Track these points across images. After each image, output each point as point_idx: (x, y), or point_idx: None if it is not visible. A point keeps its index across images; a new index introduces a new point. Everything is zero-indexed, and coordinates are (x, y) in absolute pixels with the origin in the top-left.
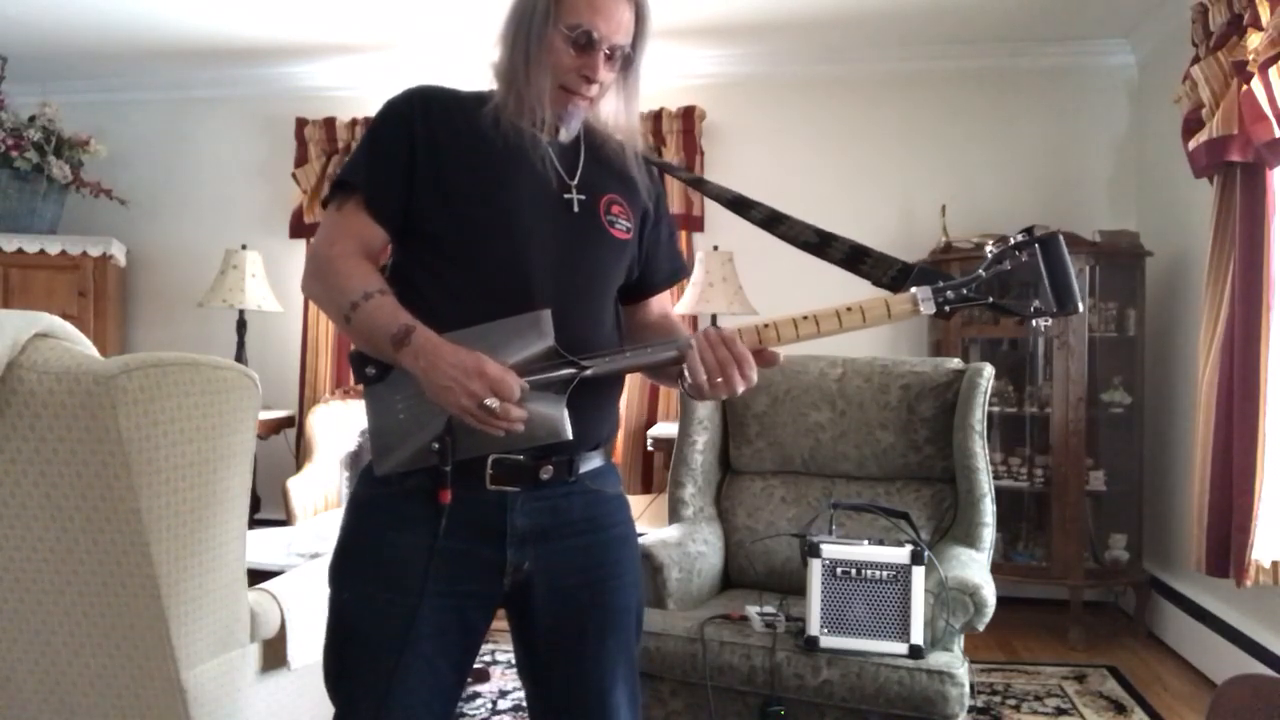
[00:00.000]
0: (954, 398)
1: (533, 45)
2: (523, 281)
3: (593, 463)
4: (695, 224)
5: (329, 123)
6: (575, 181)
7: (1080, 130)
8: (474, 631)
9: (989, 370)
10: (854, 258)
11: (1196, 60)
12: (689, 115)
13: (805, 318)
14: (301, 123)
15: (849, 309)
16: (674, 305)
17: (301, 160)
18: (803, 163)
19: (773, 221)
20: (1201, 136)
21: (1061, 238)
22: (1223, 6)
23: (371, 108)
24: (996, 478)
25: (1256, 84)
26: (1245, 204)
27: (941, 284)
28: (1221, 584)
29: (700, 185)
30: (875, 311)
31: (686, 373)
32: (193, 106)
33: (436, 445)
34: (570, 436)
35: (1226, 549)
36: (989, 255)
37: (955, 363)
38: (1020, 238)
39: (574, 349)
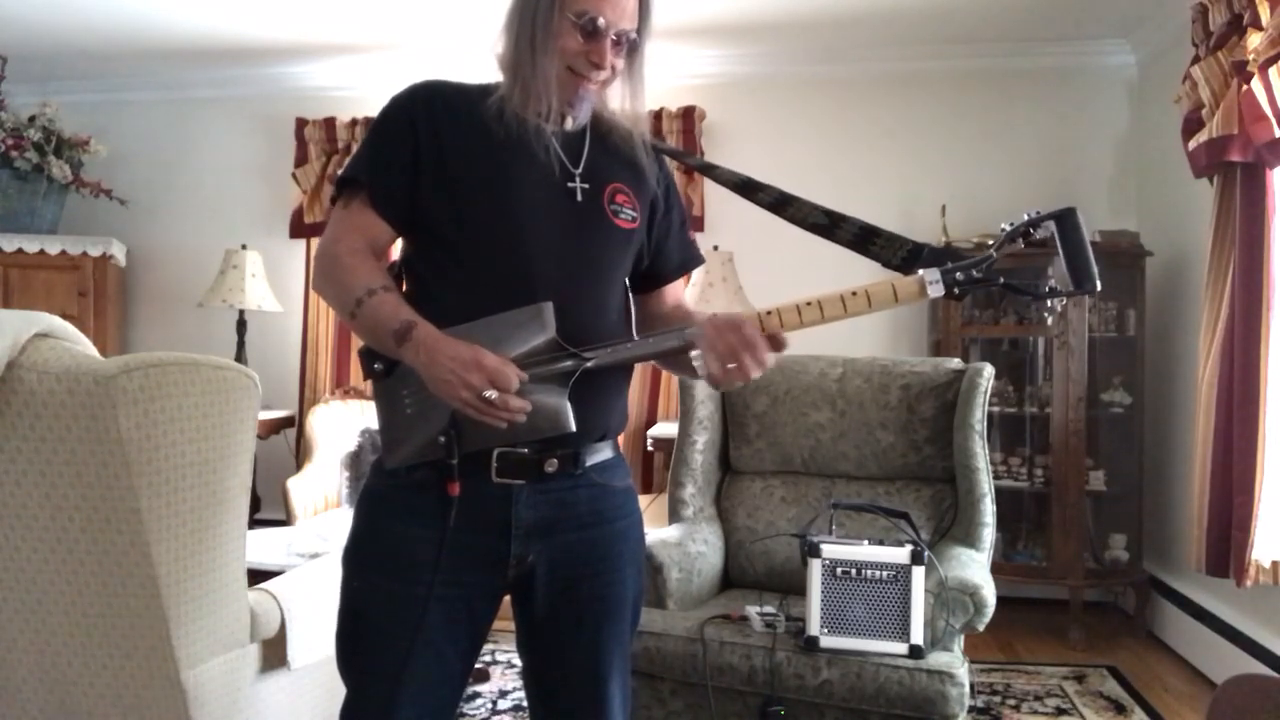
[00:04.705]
0: (954, 398)
1: (539, 33)
2: (524, 273)
3: (600, 455)
4: (696, 224)
5: (329, 123)
6: (580, 170)
7: (1080, 130)
8: (480, 620)
9: (989, 370)
10: (864, 238)
11: (1196, 60)
12: (689, 115)
13: (809, 303)
14: (301, 123)
15: (854, 293)
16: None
17: (301, 160)
18: (803, 163)
19: (781, 204)
20: (1201, 136)
21: (1078, 211)
22: (1223, 6)
23: (372, 108)
24: (996, 478)
25: (1256, 84)
26: (1245, 204)
27: (951, 265)
28: (1221, 584)
29: (709, 170)
30: (881, 295)
31: (698, 362)
32: (193, 106)
33: (442, 439)
34: (573, 428)
35: (1226, 549)
36: (1002, 232)
37: (955, 363)
38: (1034, 214)
39: (577, 340)
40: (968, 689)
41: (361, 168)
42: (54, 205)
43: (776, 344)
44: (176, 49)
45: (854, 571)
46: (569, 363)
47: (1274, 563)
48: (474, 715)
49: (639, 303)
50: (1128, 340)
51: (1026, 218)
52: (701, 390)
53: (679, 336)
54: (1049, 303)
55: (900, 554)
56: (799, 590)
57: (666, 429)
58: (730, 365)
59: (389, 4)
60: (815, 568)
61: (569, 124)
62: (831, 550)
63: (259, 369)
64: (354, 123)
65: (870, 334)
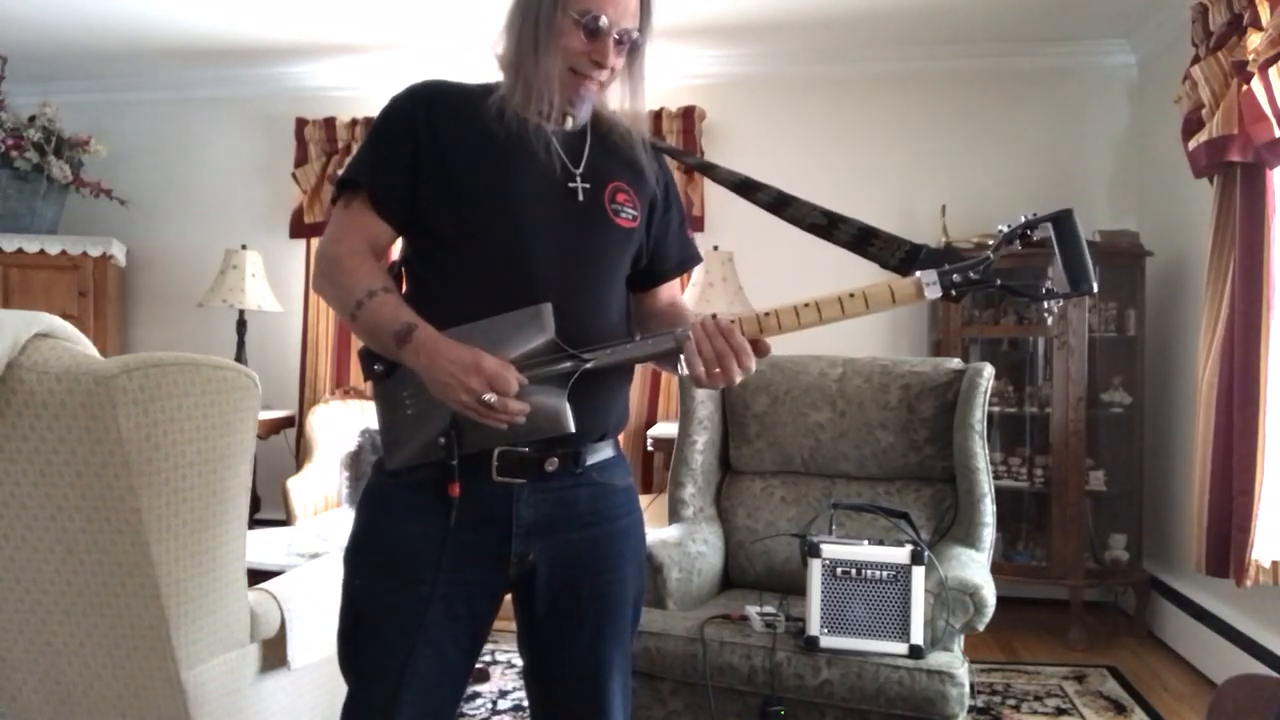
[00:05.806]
0: (954, 398)
1: (542, 31)
2: (525, 273)
3: (600, 454)
4: (696, 224)
5: (329, 123)
6: (580, 169)
7: (1080, 130)
8: (481, 619)
9: (989, 370)
10: (862, 239)
11: (1196, 60)
12: (689, 115)
13: (807, 305)
14: (301, 123)
15: (851, 295)
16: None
17: (301, 160)
18: (802, 163)
19: (780, 204)
20: (1201, 136)
21: (1074, 213)
22: (1223, 6)
23: (372, 108)
24: (996, 478)
25: (1256, 84)
26: (1245, 204)
27: (948, 267)
28: (1221, 584)
29: (708, 169)
30: (878, 297)
31: (683, 363)
32: (193, 106)
33: (443, 440)
34: (572, 429)
35: (1226, 549)
36: (1000, 234)
37: (955, 363)
38: (1030, 216)
39: (577, 340)
40: (968, 689)
41: (361, 169)
42: (54, 205)
43: (761, 350)
44: (176, 49)
45: (854, 571)
46: (568, 364)
47: (1274, 563)
48: (474, 715)
49: (635, 300)
50: (1128, 340)
51: (1024, 219)
52: (702, 390)
53: (673, 338)
54: (1046, 303)
55: (900, 554)
56: (799, 590)
57: (666, 429)
58: (714, 370)
59: (389, 4)
60: (815, 568)
61: (569, 124)
62: (831, 550)
63: (259, 369)
64: (354, 123)
65: (870, 334)
